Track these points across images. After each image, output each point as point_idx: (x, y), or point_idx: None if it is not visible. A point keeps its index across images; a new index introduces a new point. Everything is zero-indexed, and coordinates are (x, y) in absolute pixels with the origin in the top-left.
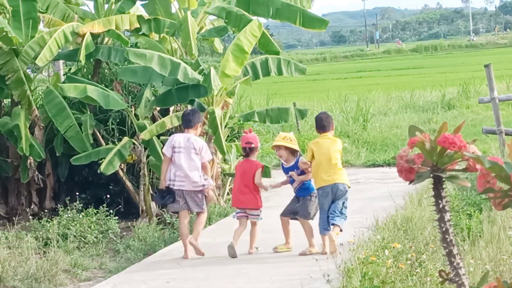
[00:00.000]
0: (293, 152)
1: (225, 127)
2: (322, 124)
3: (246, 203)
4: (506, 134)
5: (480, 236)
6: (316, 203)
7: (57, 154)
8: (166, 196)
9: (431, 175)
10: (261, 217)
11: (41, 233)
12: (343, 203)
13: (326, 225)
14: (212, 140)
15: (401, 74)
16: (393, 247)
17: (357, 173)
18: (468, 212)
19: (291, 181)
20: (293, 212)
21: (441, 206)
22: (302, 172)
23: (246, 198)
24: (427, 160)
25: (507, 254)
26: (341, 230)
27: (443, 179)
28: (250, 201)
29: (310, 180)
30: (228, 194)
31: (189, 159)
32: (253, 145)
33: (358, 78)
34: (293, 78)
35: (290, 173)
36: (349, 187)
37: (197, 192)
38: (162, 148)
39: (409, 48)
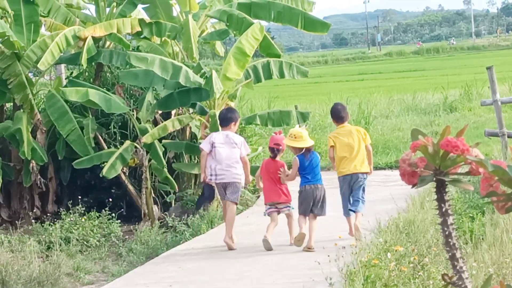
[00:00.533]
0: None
1: None
2: (340, 115)
3: (277, 198)
4: (508, 137)
5: (482, 239)
6: (301, 198)
7: (59, 158)
8: (205, 196)
9: (434, 179)
10: (292, 207)
11: (43, 236)
12: (363, 189)
13: (347, 211)
14: None
15: (403, 76)
16: (396, 250)
17: None
18: (471, 215)
19: None
20: None
21: (444, 209)
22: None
23: (276, 194)
24: (430, 163)
25: (510, 257)
26: (362, 215)
27: (446, 183)
28: (280, 196)
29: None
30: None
31: (230, 152)
32: (280, 147)
33: (360, 81)
34: (295, 81)
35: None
36: (370, 173)
37: (236, 183)
38: (163, 152)
39: (410, 50)
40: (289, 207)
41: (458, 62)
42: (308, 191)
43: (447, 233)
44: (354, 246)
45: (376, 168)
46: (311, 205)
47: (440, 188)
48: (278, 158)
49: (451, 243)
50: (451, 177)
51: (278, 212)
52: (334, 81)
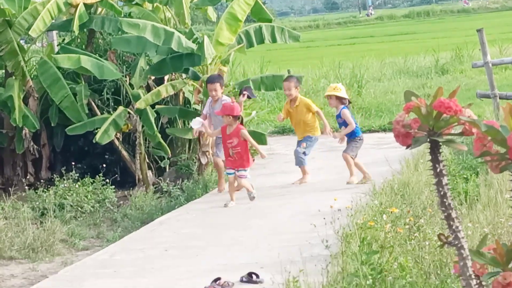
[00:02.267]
0: (341, 100)
1: None
2: None
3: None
4: (500, 98)
5: (477, 199)
6: (360, 145)
7: (52, 125)
8: None
9: (428, 140)
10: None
11: (37, 203)
12: None
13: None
14: None
15: (394, 40)
16: (391, 212)
17: None
18: (465, 176)
19: (339, 126)
20: None
21: (438, 170)
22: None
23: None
24: (424, 124)
25: (504, 217)
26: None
27: (440, 144)
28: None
29: (356, 126)
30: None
31: None
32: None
33: (352, 45)
34: (287, 45)
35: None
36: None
37: None
38: (156, 118)
39: (401, 14)
40: (243, 171)
41: (449, 25)
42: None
43: (442, 193)
44: (350, 208)
45: (370, 131)
46: None
47: (434, 149)
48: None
49: (446, 203)
50: (445, 138)
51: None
52: (326, 45)
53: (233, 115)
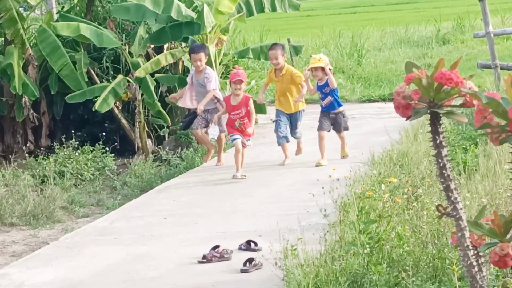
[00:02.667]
0: (325, 71)
1: (220, 64)
2: None
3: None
4: (501, 69)
5: (476, 170)
6: (347, 117)
7: (52, 93)
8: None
9: (428, 111)
10: (250, 143)
11: (37, 170)
12: None
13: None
14: None
15: (395, 9)
16: (390, 182)
17: (352, 109)
18: (464, 147)
19: (322, 97)
20: (331, 124)
21: (438, 141)
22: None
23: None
24: (424, 96)
25: (503, 187)
26: None
27: (440, 115)
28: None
29: (337, 95)
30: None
31: None
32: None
33: (352, 14)
34: (287, 14)
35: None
36: None
37: None
38: (155, 86)
39: None
40: (248, 141)
41: None
42: None
43: (441, 164)
44: (348, 178)
45: (369, 100)
46: None
47: (434, 120)
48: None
49: (446, 174)
50: (445, 109)
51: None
52: (326, 14)
53: (245, 80)
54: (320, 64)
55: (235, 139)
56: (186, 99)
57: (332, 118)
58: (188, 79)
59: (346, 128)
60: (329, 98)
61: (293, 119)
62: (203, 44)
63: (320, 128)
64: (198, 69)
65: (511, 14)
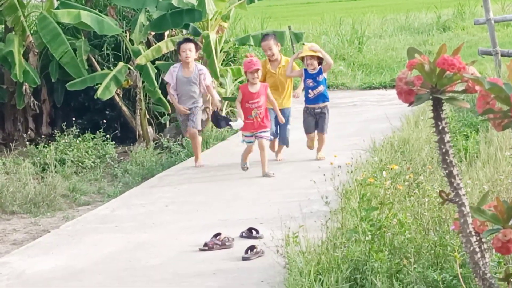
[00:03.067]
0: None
1: (221, 51)
2: None
3: (254, 129)
4: (501, 55)
5: (477, 156)
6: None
7: (53, 80)
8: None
9: (431, 97)
10: (271, 137)
11: (38, 158)
12: None
13: None
14: (207, 64)
15: None
16: (391, 169)
17: (353, 96)
18: (465, 133)
19: (313, 87)
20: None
21: (440, 127)
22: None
23: (252, 125)
24: (426, 82)
25: (504, 174)
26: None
27: (442, 101)
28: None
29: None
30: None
31: None
32: (254, 67)
33: (353, 1)
34: (288, 1)
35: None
36: None
37: None
38: (156, 73)
39: None
40: (266, 132)
41: None
42: None
43: (444, 150)
44: (349, 165)
45: (370, 87)
46: None
47: (437, 106)
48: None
49: (448, 161)
50: (448, 95)
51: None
52: (327, 1)
53: (260, 67)
54: (318, 54)
55: (248, 142)
56: (183, 100)
57: (316, 114)
58: (171, 77)
59: (326, 129)
60: (321, 87)
61: (284, 116)
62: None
63: (307, 131)
64: (186, 61)
65: (511, 1)
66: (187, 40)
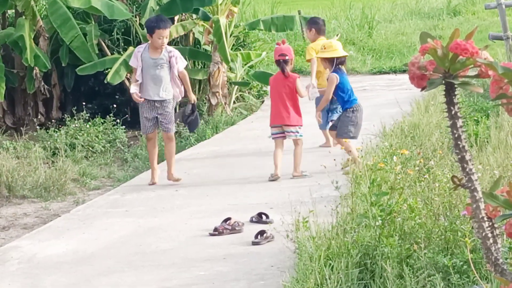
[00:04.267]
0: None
1: (230, 36)
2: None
3: (284, 121)
4: None
5: (487, 142)
6: (356, 119)
7: (63, 65)
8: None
9: (443, 82)
10: (301, 134)
11: (48, 143)
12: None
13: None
14: (217, 49)
15: None
16: (401, 154)
17: (363, 80)
18: (475, 118)
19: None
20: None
21: (453, 112)
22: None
23: (283, 116)
24: (439, 66)
25: None
26: None
27: (455, 86)
28: (289, 118)
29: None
30: (234, 102)
31: None
32: (287, 57)
33: None
34: None
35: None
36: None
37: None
38: None
39: None
40: (298, 132)
41: None
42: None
43: (456, 135)
44: (360, 150)
45: (380, 72)
46: None
47: (449, 91)
48: (288, 71)
49: (461, 146)
50: (460, 80)
51: (284, 138)
52: None
53: (292, 57)
54: (327, 55)
55: (275, 136)
56: (148, 89)
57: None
58: (136, 60)
59: (341, 135)
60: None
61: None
62: (171, 19)
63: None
64: (160, 47)
65: None
66: (166, 23)
